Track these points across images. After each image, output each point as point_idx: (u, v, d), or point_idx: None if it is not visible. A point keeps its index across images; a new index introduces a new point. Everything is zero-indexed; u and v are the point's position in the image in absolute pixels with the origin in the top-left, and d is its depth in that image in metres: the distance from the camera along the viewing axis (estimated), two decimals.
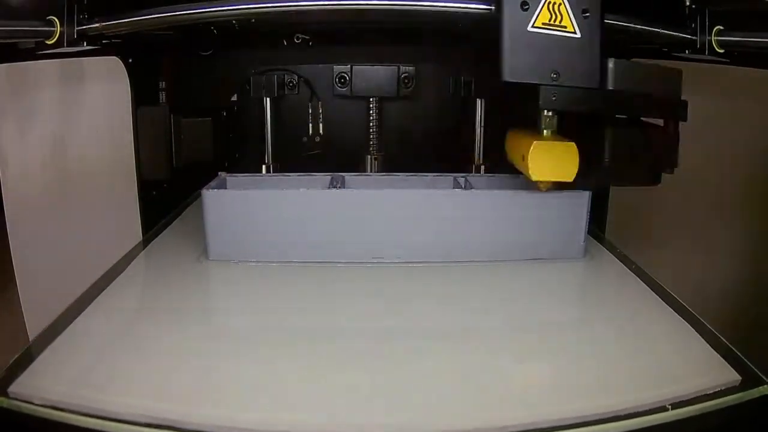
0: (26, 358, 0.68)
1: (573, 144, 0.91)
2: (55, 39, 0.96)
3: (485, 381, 0.67)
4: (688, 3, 1.04)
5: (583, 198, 0.97)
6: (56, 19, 0.96)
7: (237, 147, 1.52)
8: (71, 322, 0.76)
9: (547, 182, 0.94)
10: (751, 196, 1.01)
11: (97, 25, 1.01)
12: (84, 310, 0.80)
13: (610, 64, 0.88)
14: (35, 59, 1.05)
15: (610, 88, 0.87)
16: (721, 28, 1.00)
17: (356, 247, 0.96)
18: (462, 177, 1.07)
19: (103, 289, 0.87)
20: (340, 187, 1.03)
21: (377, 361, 0.70)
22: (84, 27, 1.01)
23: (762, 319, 0.96)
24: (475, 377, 0.67)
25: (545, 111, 0.91)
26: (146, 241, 1.08)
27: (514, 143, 1.02)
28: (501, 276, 0.94)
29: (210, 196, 0.95)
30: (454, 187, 1.05)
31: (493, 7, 0.88)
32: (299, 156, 1.50)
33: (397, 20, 1.14)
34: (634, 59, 0.92)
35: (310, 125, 1.49)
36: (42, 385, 0.63)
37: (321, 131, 1.49)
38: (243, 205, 0.95)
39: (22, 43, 0.98)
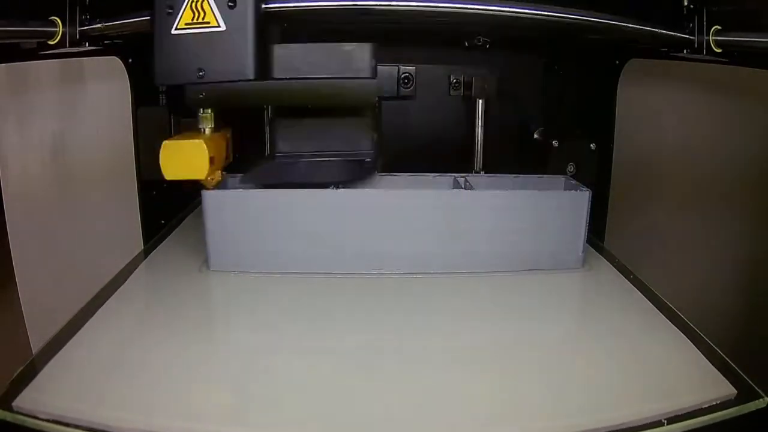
0: (30, 372, 0.68)
1: (201, 142, 0.90)
2: (57, 39, 0.96)
3: (479, 396, 0.67)
4: (686, 3, 1.05)
5: (583, 197, 0.98)
6: (58, 20, 0.95)
7: (237, 147, 1.51)
8: (74, 335, 0.77)
9: (211, 180, 0.95)
10: (751, 199, 1.00)
11: (99, 25, 1.01)
12: (86, 323, 0.80)
13: (276, 51, 0.85)
14: (36, 59, 1.05)
15: (276, 77, 0.85)
16: (719, 27, 0.99)
17: (357, 257, 0.96)
18: (462, 177, 1.07)
19: (105, 301, 0.87)
20: (340, 188, 1.03)
21: (373, 382, 0.69)
22: (86, 27, 1.00)
23: (760, 325, 0.96)
24: (468, 392, 0.67)
25: (201, 110, 0.91)
26: (147, 251, 1.08)
27: None
28: (500, 288, 0.94)
29: (210, 196, 0.95)
30: (454, 187, 1.05)
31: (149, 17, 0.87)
32: None
33: None
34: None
35: None
36: (46, 400, 0.64)
37: None
38: (243, 205, 0.95)
39: (25, 43, 0.97)
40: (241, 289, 0.93)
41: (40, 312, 1.14)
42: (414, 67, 1.45)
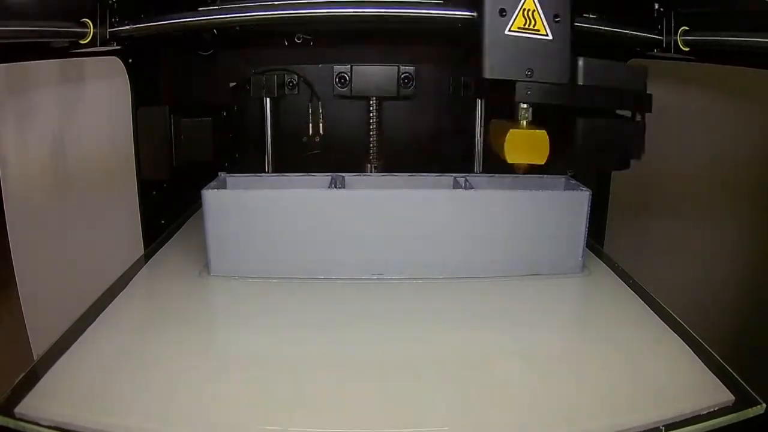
0: (32, 378, 0.68)
1: (544, 132, 1.01)
2: (88, 39, 1.00)
3: (479, 404, 0.67)
4: (656, 6, 1.12)
5: (583, 197, 0.98)
6: (89, 21, 1.00)
7: (237, 147, 1.52)
8: (75, 342, 0.76)
9: (524, 165, 1.05)
10: (752, 201, 1.00)
11: (128, 27, 1.06)
12: (86, 330, 0.80)
13: (580, 62, 0.98)
14: (36, 59, 1.05)
15: (580, 83, 0.98)
16: (687, 28, 1.07)
17: (357, 262, 0.95)
18: (462, 177, 1.07)
19: (106, 308, 0.86)
20: (340, 188, 1.03)
21: (373, 390, 0.69)
22: (116, 29, 1.06)
23: (759, 329, 0.96)
24: (463, 399, 0.67)
25: (521, 104, 1.01)
26: (148, 255, 1.08)
27: (495, 132, 1.11)
28: (501, 294, 0.94)
29: (210, 196, 0.95)
30: (454, 188, 1.05)
31: (475, 14, 0.98)
32: (299, 156, 1.50)
33: (396, 24, 1.22)
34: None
35: (310, 125, 1.49)
36: (48, 406, 0.64)
37: (321, 131, 1.50)
38: (243, 206, 0.95)
39: (56, 43, 1.01)
40: (241, 295, 0.93)
41: (40, 311, 1.14)
42: (414, 67, 1.45)
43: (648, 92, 1.03)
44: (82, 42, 1.00)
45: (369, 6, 1.06)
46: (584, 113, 1.03)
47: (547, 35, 0.95)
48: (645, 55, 1.20)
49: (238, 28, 1.21)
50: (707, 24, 1.04)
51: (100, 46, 1.03)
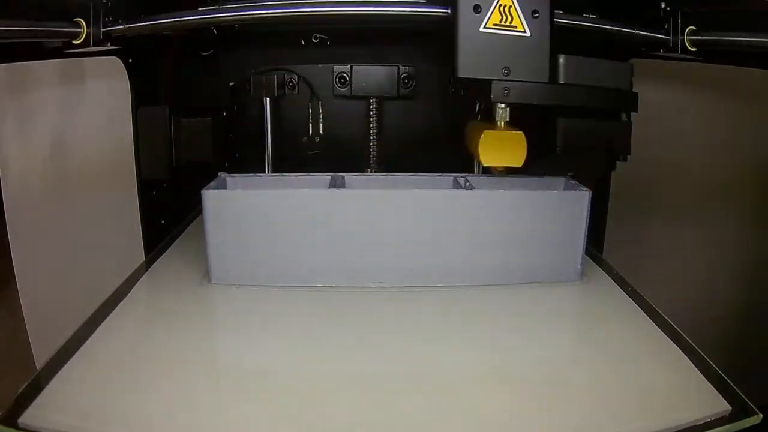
0: (35, 388, 0.68)
1: (521, 133, 0.99)
2: (81, 39, 1.00)
3: (478, 416, 0.66)
4: (663, 5, 1.10)
5: (583, 197, 0.97)
6: (83, 21, 0.99)
7: (237, 147, 1.52)
8: (77, 351, 0.76)
9: (502, 168, 1.03)
10: (752, 201, 1.00)
11: (121, 27, 1.05)
12: (88, 339, 0.80)
13: (561, 59, 0.95)
14: (33, 59, 1.05)
15: (561, 82, 0.95)
16: (694, 28, 1.05)
17: (357, 268, 0.95)
18: (462, 177, 1.07)
19: (107, 316, 0.86)
20: (340, 188, 1.02)
21: (373, 403, 0.69)
22: (109, 29, 1.05)
23: (757, 337, 0.96)
24: (461, 410, 0.67)
25: (498, 104, 0.98)
26: (149, 262, 1.08)
27: (471, 134, 1.10)
28: (499, 302, 0.93)
29: (210, 196, 0.95)
30: (454, 187, 1.05)
31: (449, 11, 0.95)
32: (299, 156, 1.50)
33: (363, 23, 1.22)
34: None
35: (310, 125, 1.50)
36: (51, 416, 0.63)
37: (321, 131, 1.50)
38: (243, 206, 0.95)
39: (49, 43, 1.01)
40: (241, 305, 0.93)
41: (39, 311, 1.15)
42: (414, 67, 1.45)
43: (634, 91, 1.00)
44: (75, 42, 0.99)
45: (341, 5, 1.04)
46: (566, 113, 1.01)
47: (524, 32, 0.92)
48: (647, 54, 1.20)
49: (237, 26, 1.21)
50: (715, 24, 1.03)
51: (94, 46, 1.02)
